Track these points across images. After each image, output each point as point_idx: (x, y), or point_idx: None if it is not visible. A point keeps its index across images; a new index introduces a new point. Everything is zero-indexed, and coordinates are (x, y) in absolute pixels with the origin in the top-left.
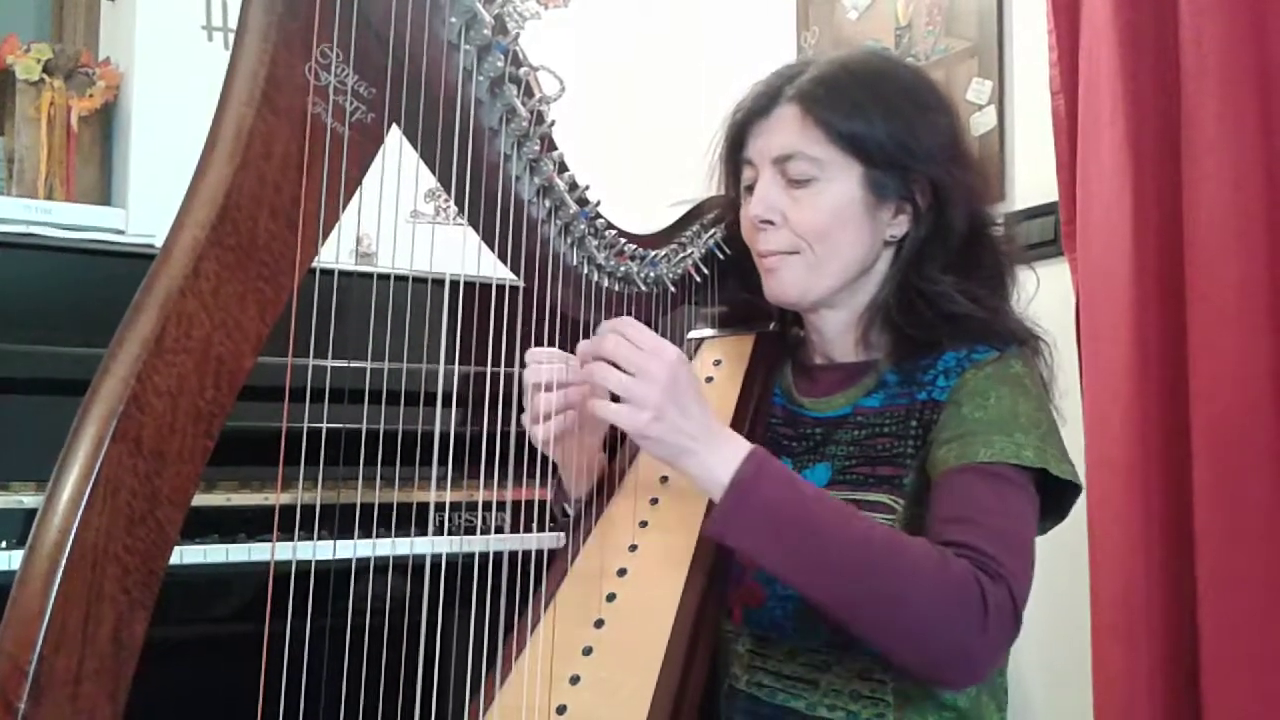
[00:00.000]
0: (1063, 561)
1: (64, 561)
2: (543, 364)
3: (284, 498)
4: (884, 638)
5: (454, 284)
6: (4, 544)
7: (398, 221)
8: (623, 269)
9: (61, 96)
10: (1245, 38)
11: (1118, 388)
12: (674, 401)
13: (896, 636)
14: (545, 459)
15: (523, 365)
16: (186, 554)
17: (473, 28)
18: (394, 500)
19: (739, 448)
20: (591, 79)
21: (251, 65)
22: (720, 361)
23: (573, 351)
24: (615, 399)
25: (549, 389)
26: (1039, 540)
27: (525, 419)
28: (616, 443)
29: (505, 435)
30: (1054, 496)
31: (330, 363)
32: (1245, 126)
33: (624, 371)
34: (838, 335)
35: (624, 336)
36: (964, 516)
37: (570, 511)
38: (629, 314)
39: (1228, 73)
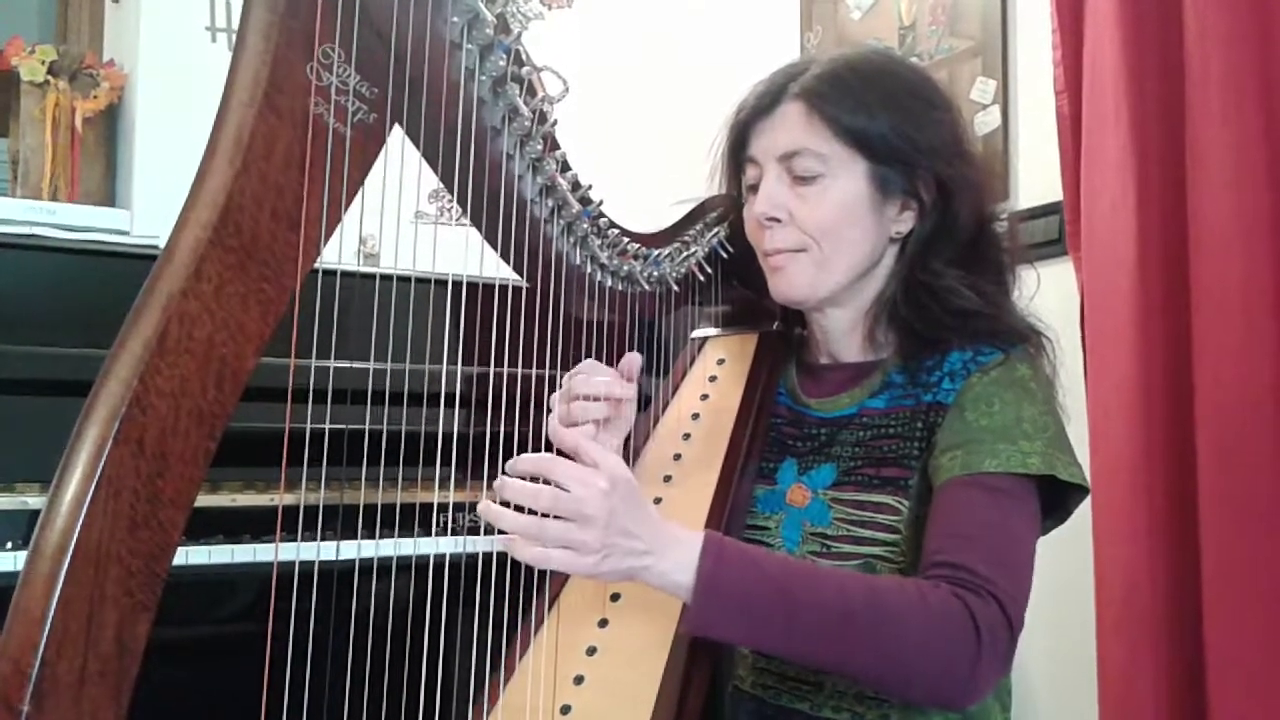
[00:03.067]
0: (1067, 560)
1: (66, 563)
2: (592, 377)
3: (288, 498)
4: (881, 685)
5: (457, 285)
6: (9, 545)
7: (400, 222)
8: (626, 268)
9: (66, 98)
10: (1249, 37)
11: (1122, 386)
12: (618, 532)
13: (893, 682)
14: None
15: (526, 366)
16: (191, 555)
17: (475, 27)
18: (398, 501)
19: (692, 546)
20: (595, 79)
21: (253, 65)
22: (724, 360)
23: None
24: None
25: (591, 399)
26: (1043, 539)
27: (552, 419)
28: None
29: (509, 436)
30: (1059, 497)
31: (333, 363)
32: (1249, 125)
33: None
34: (843, 334)
35: (548, 477)
36: (961, 533)
37: None
38: (632, 313)
39: (1231, 72)
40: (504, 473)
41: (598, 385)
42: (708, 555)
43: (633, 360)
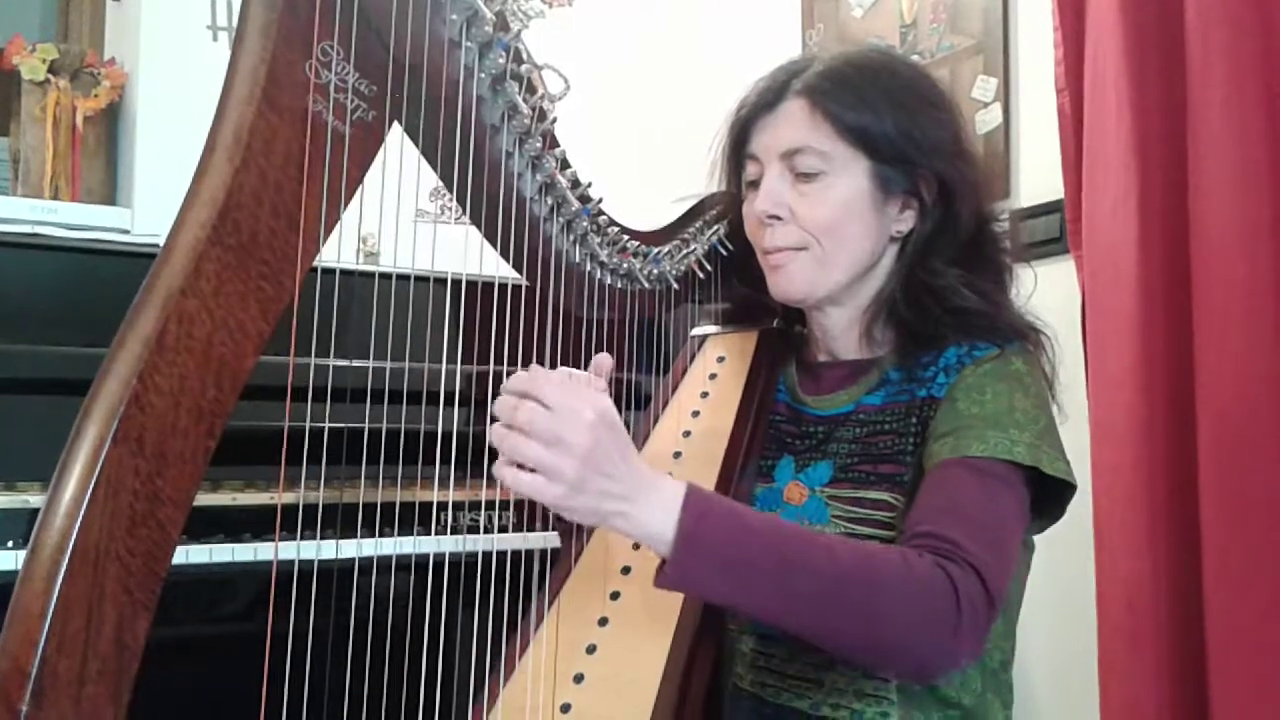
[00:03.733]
0: (1068, 558)
1: (65, 562)
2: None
3: (288, 497)
4: (860, 650)
5: (456, 283)
6: (10, 544)
7: (399, 220)
8: (625, 266)
9: (67, 96)
10: (1251, 35)
11: (1123, 385)
12: (595, 468)
13: (871, 644)
14: None
15: (526, 364)
16: (191, 554)
17: (474, 25)
18: (397, 499)
19: (674, 495)
20: (595, 76)
21: (252, 63)
22: (724, 358)
23: (576, 353)
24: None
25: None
26: (1043, 538)
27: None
28: None
29: None
30: (1051, 495)
31: (333, 362)
32: (1251, 124)
33: (538, 439)
34: (842, 332)
35: (537, 400)
36: (944, 507)
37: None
38: (632, 311)
39: (1233, 70)
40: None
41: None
42: (690, 507)
43: (602, 362)
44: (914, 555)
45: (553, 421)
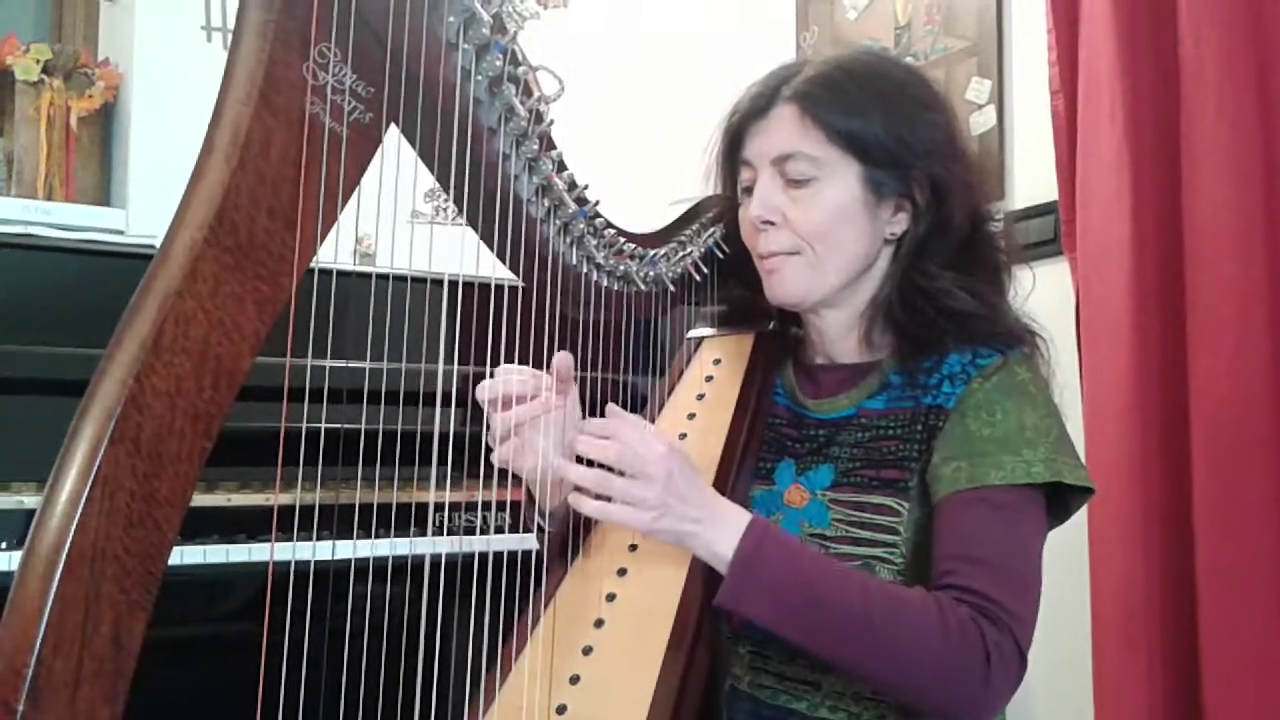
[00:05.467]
0: (1063, 561)
1: (62, 563)
2: (500, 379)
3: (283, 498)
4: (891, 692)
5: (453, 284)
6: (5, 544)
7: (396, 221)
8: (622, 268)
9: (61, 97)
10: (1244, 36)
11: (1117, 386)
12: (674, 493)
13: (902, 691)
14: None
15: (523, 365)
16: (187, 554)
17: (471, 27)
18: (393, 500)
19: (739, 521)
20: (591, 78)
21: (249, 65)
22: (720, 360)
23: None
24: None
25: (506, 405)
26: None
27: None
28: None
29: None
30: (1061, 498)
31: (329, 363)
32: (1244, 125)
33: (621, 471)
34: (839, 335)
35: (615, 437)
36: (970, 555)
37: (545, 525)
38: (629, 313)
39: (1226, 71)
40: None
41: (507, 386)
42: (752, 534)
43: (562, 360)
44: (951, 608)
45: (634, 458)
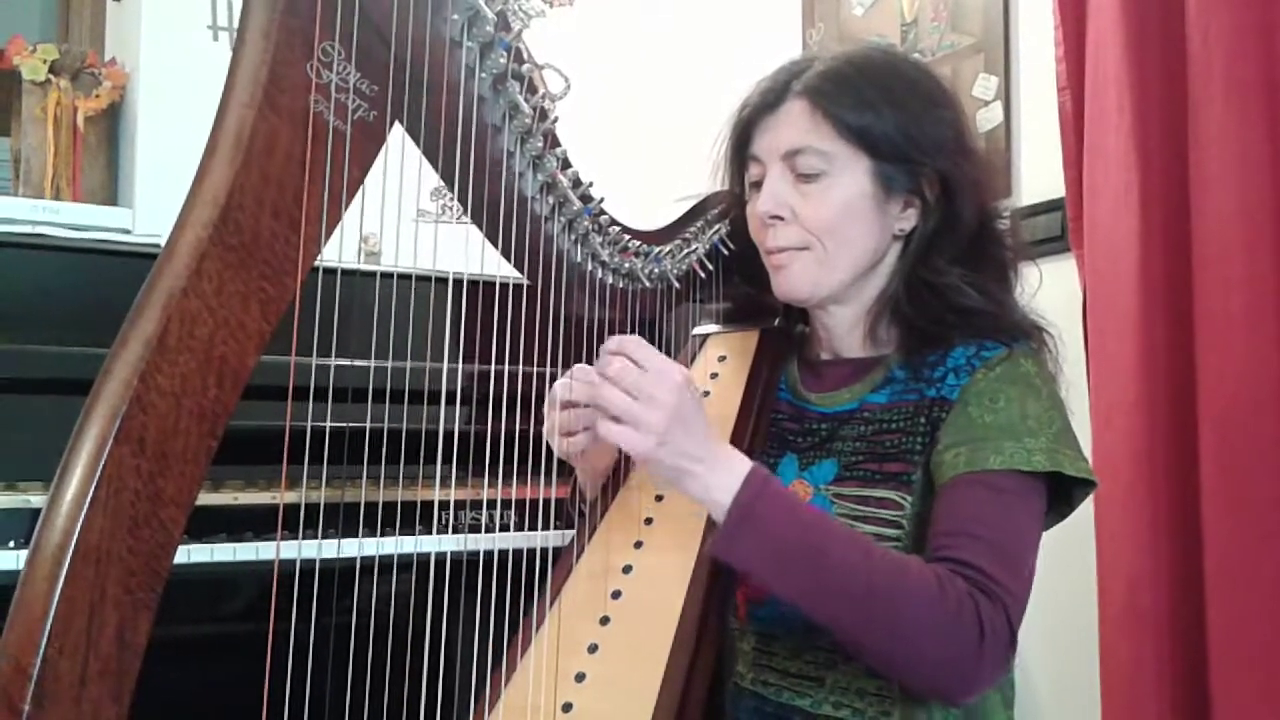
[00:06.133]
0: (1070, 556)
1: (67, 562)
2: (574, 380)
3: (289, 497)
4: (881, 658)
5: (458, 282)
6: (11, 544)
7: (400, 220)
8: (627, 265)
9: (67, 97)
10: (1251, 32)
11: (1125, 383)
12: (679, 424)
13: (893, 657)
14: (550, 457)
15: (527, 363)
16: (193, 553)
17: (475, 24)
18: (399, 499)
19: (741, 469)
20: (596, 75)
21: (253, 63)
22: (725, 357)
23: (577, 353)
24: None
25: (574, 406)
26: (1045, 534)
27: (545, 429)
28: None
29: (510, 433)
30: (1064, 491)
31: (334, 361)
32: (1251, 121)
33: (629, 394)
34: (846, 330)
35: (629, 358)
36: (968, 531)
37: (585, 510)
38: (634, 310)
39: (1234, 67)
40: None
41: (584, 390)
42: (752, 483)
43: (589, 368)
44: (948, 579)
45: (644, 378)
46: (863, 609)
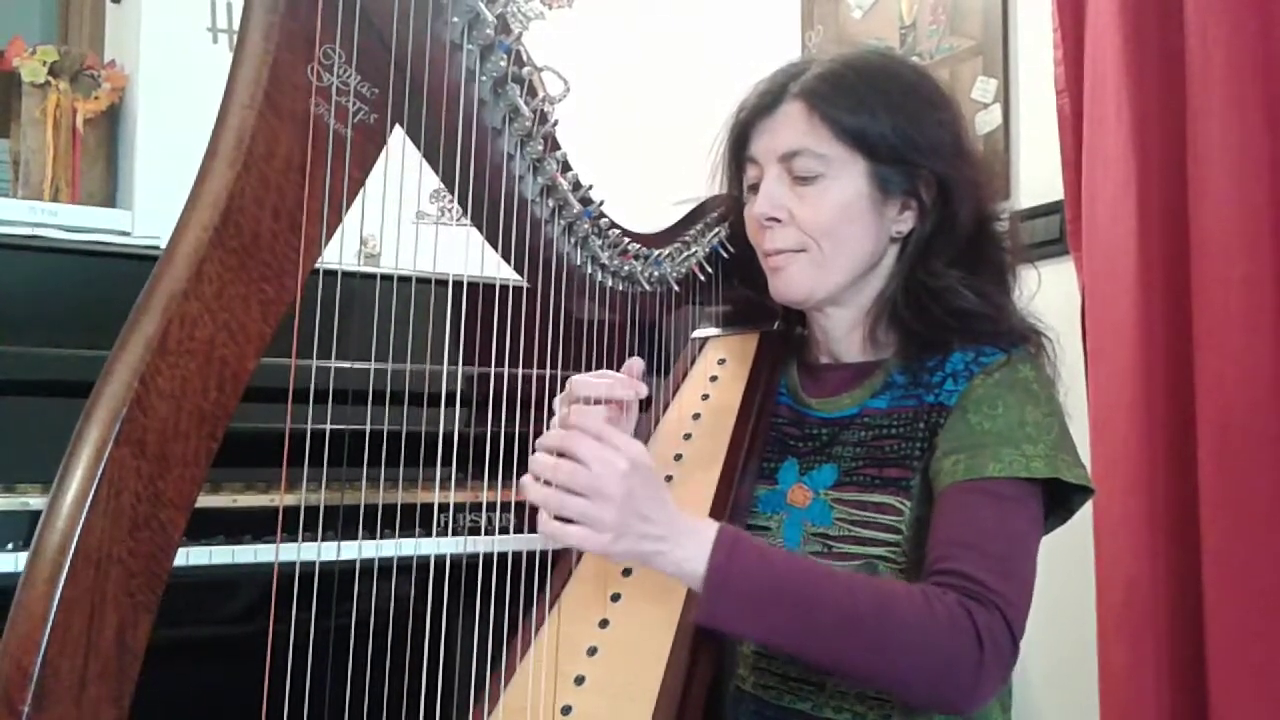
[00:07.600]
0: (1068, 559)
1: (67, 564)
2: (592, 380)
3: (289, 499)
4: (883, 683)
5: (458, 285)
6: (11, 546)
7: (400, 223)
8: (627, 268)
9: (67, 99)
10: (1250, 35)
11: (1123, 385)
12: (633, 513)
13: (894, 681)
14: None
15: (527, 366)
16: (192, 555)
17: (475, 27)
18: (398, 501)
19: (707, 534)
20: (595, 78)
21: (253, 66)
22: (725, 360)
23: (577, 356)
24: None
25: (593, 402)
26: (1044, 539)
27: (555, 421)
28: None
29: (510, 436)
30: (1062, 498)
31: (334, 364)
32: (1250, 124)
33: (576, 493)
34: (844, 334)
35: (571, 454)
36: (965, 540)
37: None
38: (633, 313)
39: (1232, 70)
40: (533, 450)
41: (598, 387)
42: (721, 548)
43: (635, 364)
44: (936, 594)
45: (590, 477)
46: (854, 640)
